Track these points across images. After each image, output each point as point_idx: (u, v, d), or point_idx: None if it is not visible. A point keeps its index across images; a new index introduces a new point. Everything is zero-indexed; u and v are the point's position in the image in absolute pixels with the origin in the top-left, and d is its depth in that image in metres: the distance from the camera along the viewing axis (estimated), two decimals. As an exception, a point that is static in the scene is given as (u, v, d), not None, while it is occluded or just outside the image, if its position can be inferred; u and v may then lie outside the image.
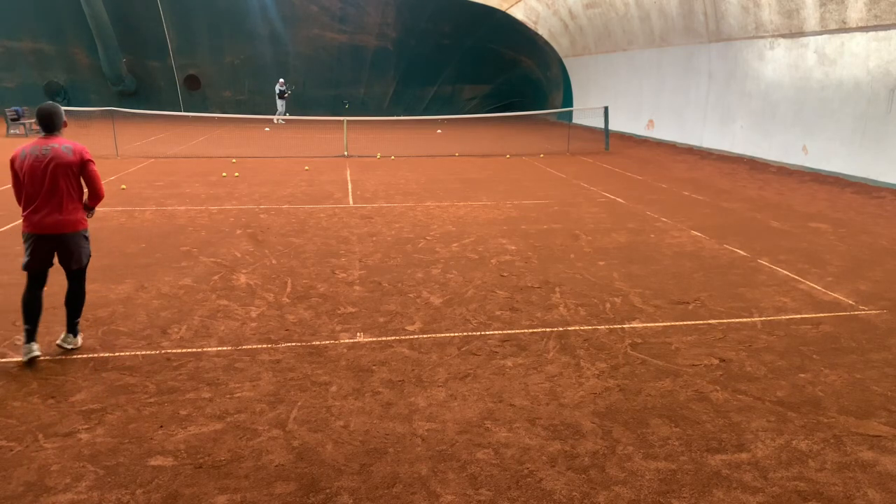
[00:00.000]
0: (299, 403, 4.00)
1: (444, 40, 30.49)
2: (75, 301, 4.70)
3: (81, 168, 4.47)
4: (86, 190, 4.62)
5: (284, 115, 25.32)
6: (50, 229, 4.42)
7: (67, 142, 4.47)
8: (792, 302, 6.01)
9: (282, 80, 26.53)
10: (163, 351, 4.73)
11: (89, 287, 6.06)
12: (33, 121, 19.47)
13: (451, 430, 3.72)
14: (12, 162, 4.43)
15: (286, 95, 26.06)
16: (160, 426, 3.71)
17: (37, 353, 4.44)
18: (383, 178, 13.04)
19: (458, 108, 31.63)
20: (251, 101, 29.89)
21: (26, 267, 4.54)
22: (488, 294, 6.11)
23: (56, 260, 4.60)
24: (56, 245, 4.51)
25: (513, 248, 7.77)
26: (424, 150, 17.75)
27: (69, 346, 4.66)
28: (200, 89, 29.95)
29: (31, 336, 4.46)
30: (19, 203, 4.50)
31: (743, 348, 4.95)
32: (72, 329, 4.70)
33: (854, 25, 12.81)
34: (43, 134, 4.49)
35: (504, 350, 4.85)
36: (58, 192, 4.39)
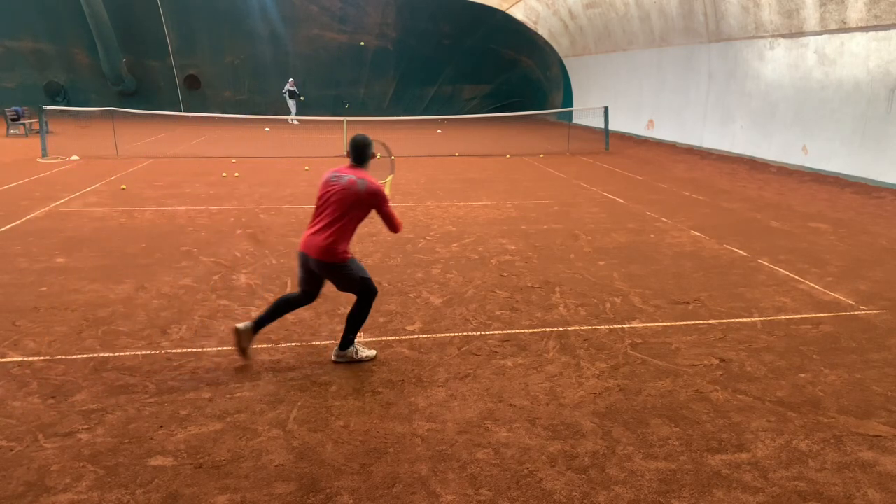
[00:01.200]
0: (299, 403, 4.00)
1: (444, 40, 30.48)
2: (352, 317, 4.54)
3: (374, 206, 4.41)
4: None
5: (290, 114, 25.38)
6: (308, 250, 4.38)
7: (366, 177, 4.39)
8: (792, 302, 6.01)
9: (291, 79, 26.46)
10: (163, 351, 4.73)
11: (89, 287, 6.09)
12: (34, 121, 19.49)
13: (451, 430, 3.72)
14: (323, 179, 4.49)
15: (298, 97, 25.95)
16: (160, 426, 3.71)
17: (241, 326, 4.46)
18: (383, 178, 13.01)
19: (458, 108, 31.62)
20: (251, 101, 29.89)
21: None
22: (488, 294, 6.11)
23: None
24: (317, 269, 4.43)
25: (513, 248, 7.77)
26: (424, 150, 17.75)
27: (334, 359, 4.59)
28: (200, 89, 29.95)
29: (257, 322, 4.50)
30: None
31: (743, 348, 4.95)
32: (345, 343, 4.58)
33: (854, 25, 12.81)
34: (351, 163, 4.50)
35: (504, 350, 4.85)
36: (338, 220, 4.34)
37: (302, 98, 26.27)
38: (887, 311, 5.78)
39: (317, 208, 4.41)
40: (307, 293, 4.55)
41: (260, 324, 4.51)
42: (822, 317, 5.65)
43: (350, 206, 4.29)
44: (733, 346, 5.00)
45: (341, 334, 4.59)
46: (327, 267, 4.34)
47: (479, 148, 18.75)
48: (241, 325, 4.47)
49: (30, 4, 26.31)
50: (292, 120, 24.54)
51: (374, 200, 4.34)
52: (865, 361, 4.74)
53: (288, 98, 25.95)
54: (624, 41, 22.50)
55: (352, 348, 4.57)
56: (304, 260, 4.41)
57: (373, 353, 4.67)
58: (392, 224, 4.48)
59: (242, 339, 4.47)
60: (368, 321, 5.37)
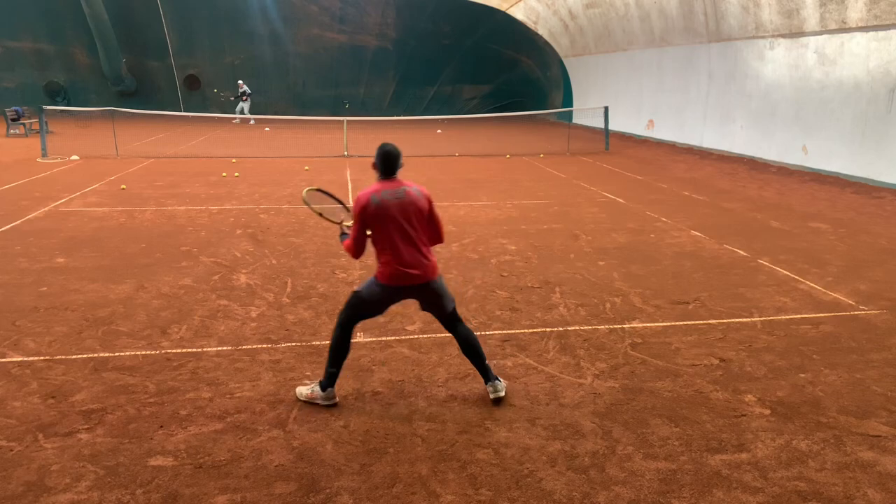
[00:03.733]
0: (299, 403, 4.00)
1: (444, 40, 30.48)
2: (469, 346, 4.08)
3: (429, 212, 3.97)
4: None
5: (244, 114, 25.05)
6: (415, 280, 3.87)
7: (413, 184, 3.96)
8: (792, 302, 6.01)
9: (240, 81, 26.21)
10: (163, 351, 4.73)
11: (89, 287, 6.10)
12: (34, 121, 19.49)
13: (451, 430, 3.72)
14: (363, 210, 3.79)
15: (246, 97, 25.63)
16: (160, 426, 3.71)
17: (335, 399, 3.99)
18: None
19: (458, 108, 31.61)
20: (251, 101, 29.87)
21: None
22: (488, 294, 6.11)
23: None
24: (421, 295, 4.00)
25: (513, 248, 7.77)
26: (424, 150, 17.74)
27: (502, 394, 4.06)
28: (200, 89, 29.94)
29: (332, 380, 3.98)
30: (357, 254, 3.93)
31: (743, 348, 4.95)
32: (488, 375, 4.09)
33: (854, 25, 12.81)
34: (382, 177, 3.91)
35: (504, 350, 4.85)
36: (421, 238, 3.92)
37: (243, 96, 25.73)
38: (887, 311, 5.77)
39: (396, 234, 3.79)
40: (360, 321, 4.09)
41: (335, 377, 4.02)
42: (822, 317, 5.65)
43: (424, 217, 3.90)
44: (733, 346, 5.00)
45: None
46: (434, 287, 3.95)
47: (479, 148, 18.75)
48: (329, 399, 4.01)
49: (30, 4, 26.31)
50: (238, 120, 24.41)
51: (431, 203, 3.97)
52: (865, 361, 4.74)
53: (240, 100, 25.58)
54: (624, 41, 22.49)
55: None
56: (397, 291, 3.93)
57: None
58: (441, 230, 4.07)
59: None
60: (368, 321, 5.35)
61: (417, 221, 3.86)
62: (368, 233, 3.87)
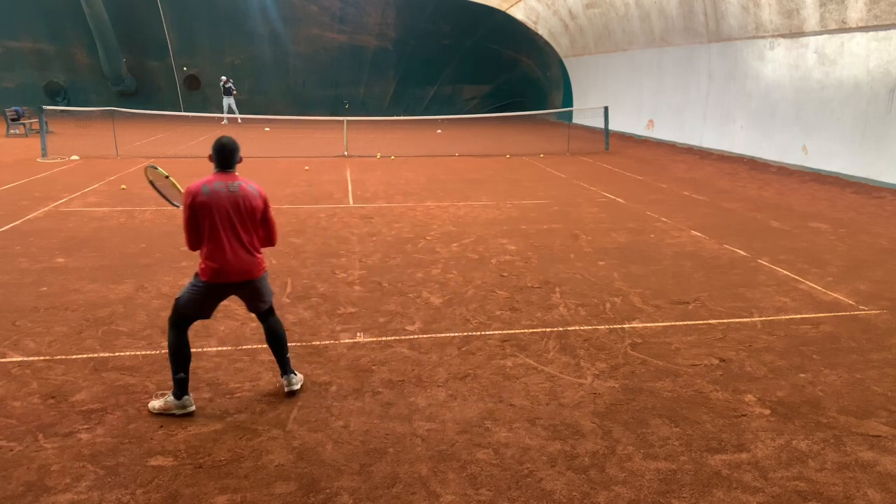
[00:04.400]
0: (299, 403, 4.00)
1: (444, 40, 30.47)
2: (275, 339, 4.12)
3: (263, 213, 3.93)
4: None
5: (232, 112, 24.81)
6: (237, 277, 3.83)
7: (250, 182, 3.92)
8: (792, 302, 6.01)
9: (224, 77, 25.68)
10: (163, 351, 4.72)
11: (89, 287, 6.10)
12: (34, 121, 19.49)
13: (451, 430, 3.72)
14: (193, 197, 3.73)
15: (234, 93, 25.31)
16: (160, 426, 3.71)
17: (192, 407, 3.86)
18: (383, 178, 13.04)
19: (458, 108, 31.61)
20: (251, 101, 29.84)
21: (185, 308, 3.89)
22: (488, 294, 6.11)
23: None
24: (242, 292, 3.95)
25: (513, 248, 7.77)
26: (424, 150, 17.75)
27: (296, 387, 4.12)
28: (200, 89, 29.95)
29: (184, 386, 3.85)
30: (197, 247, 3.84)
31: (743, 348, 4.95)
32: (286, 368, 4.14)
33: (854, 25, 12.81)
34: (218, 170, 3.86)
35: (504, 350, 4.85)
36: (249, 235, 3.88)
37: (235, 92, 25.45)
38: (887, 311, 5.77)
39: (218, 227, 3.74)
40: (192, 322, 3.95)
41: (183, 385, 3.88)
42: (822, 317, 5.65)
43: (256, 213, 3.86)
44: (733, 346, 5.00)
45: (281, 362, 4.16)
46: (257, 285, 3.94)
47: (479, 148, 18.75)
48: (192, 407, 3.89)
49: (30, 4, 26.30)
50: (226, 121, 24.27)
51: (266, 203, 3.94)
52: (865, 361, 4.74)
53: (226, 96, 25.14)
54: (624, 41, 22.49)
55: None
56: (220, 289, 3.86)
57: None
58: (274, 232, 4.03)
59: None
60: (369, 320, 5.37)
61: (248, 218, 3.83)
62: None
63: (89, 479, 3.21)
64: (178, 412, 3.84)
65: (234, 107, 25.09)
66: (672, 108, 20.28)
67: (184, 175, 12.94)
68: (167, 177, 4.37)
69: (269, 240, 4.02)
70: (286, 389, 4.11)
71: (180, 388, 3.84)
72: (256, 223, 3.89)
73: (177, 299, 3.91)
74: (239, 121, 24.38)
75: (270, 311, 4.14)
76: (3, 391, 4.09)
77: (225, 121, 24.64)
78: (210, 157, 3.88)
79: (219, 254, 3.76)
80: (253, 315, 5.27)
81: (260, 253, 3.95)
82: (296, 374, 4.20)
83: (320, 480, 3.24)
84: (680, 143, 19.66)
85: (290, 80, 30.58)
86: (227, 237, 3.76)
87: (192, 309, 3.87)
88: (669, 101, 20.45)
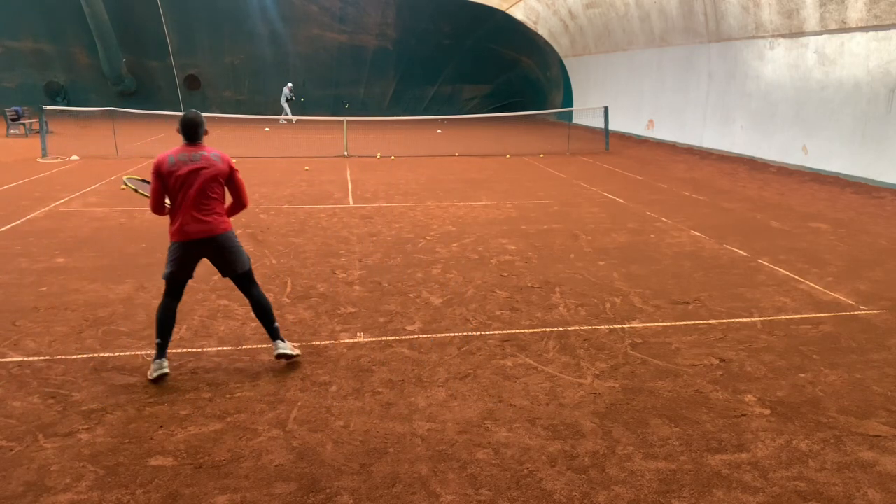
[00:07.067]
0: (299, 403, 4.00)
1: (444, 40, 30.47)
2: (261, 309, 4.46)
3: (229, 177, 4.36)
4: (228, 199, 4.47)
5: (287, 115, 25.63)
6: (199, 234, 4.23)
7: (214, 150, 4.33)
8: (792, 302, 6.01)
9: (290, 84, 26.76)
10: (163, 351, 4.72)
11: (89, 287, 6.09)
12: (34, 121, 19.49)
13: (451, 430, 3.72)
14: (158, 167, 4.18)
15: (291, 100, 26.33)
16: (160, 426, 3.71)
17: (166, 369, 4.22)
18: (383, 178, 13.04)
19: (458, 108, 31.61)
20: (251, 101, 29.88)
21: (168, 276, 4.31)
22: (488, 294, 6.11)
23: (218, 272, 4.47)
24: (208, 250, 4.30)
25: (513, 248, 7.77)
26: (424, 150, 17.75)
27: (291, 353, 4.49)
28: (200, 89, 29.94)
29: (162, 351, 4.24)
30: (160, 211, 4.30)
31: (743, 348, 4.95)
32: (275, 335, 4.47)
33: (854, 25, 12.81)
34: (186, 142, 4.28)
35: (504, 350, 4.85)
36: (210, 199, 4.27)
37: (292, 99, 26.40)
38: (887, 311, 5.77)
39: (177, 193, 4.17)
40: (182, 285, 4.37)
41: (162, 350, 4.28)
42: (822, 317, 5.65)
43: (220, 179, 4.29)
44: (733, 346, 5.00)
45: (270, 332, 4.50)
46: (220, 241, 4.28)
47: (479, 148, 18.75)
48: (166, 369, 4.25)
49: (30, 4, 26.31)
50: (285, 120, 24.82)
51: (232, 167, 4.36)
52: (865, 361, 4.74)
53: (283, 101, 26.16)
54: (624, 41, 22.49)
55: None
56: (189, 247, 4.23)
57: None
58: (243, 193, 4.46)
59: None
60: (368, 320, 5.37)
61: (210, 183, 4.23)
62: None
63: (89, 479, 3.21)
64: (151, 375, 4.21)
65: (288, 111, 25.87)
66: (672, 108, 20.28)
67: (184, 175, 12.94)
68: (142, 180, 4.99)
69: (240, 200, 4.48)
70: (275, 353, 4.46)
71: (158, 353, 4.25)
72: (221, 187, 4.32)
73: (164, 275, 4.34)
74: (293, 121, 25.22)
75: (250, 281, 4.48)
76: (3, 391, 4.09)
77: (283, 121, 25.32)
78: (178, 131, 4.28)
79: (180, 216, 4.20)
80: (252, 315, 5.27)
81: (220, 214, 4.32)
82: (284, 341, 4.50)
83: (320, 480, 3.24)
84: (680, 143, 19.66)
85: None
86: (187, 201, 4.19)
87: (176, 269, 4.28)
88: (669, 101, 20.45)
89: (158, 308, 4.29)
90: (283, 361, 4.53)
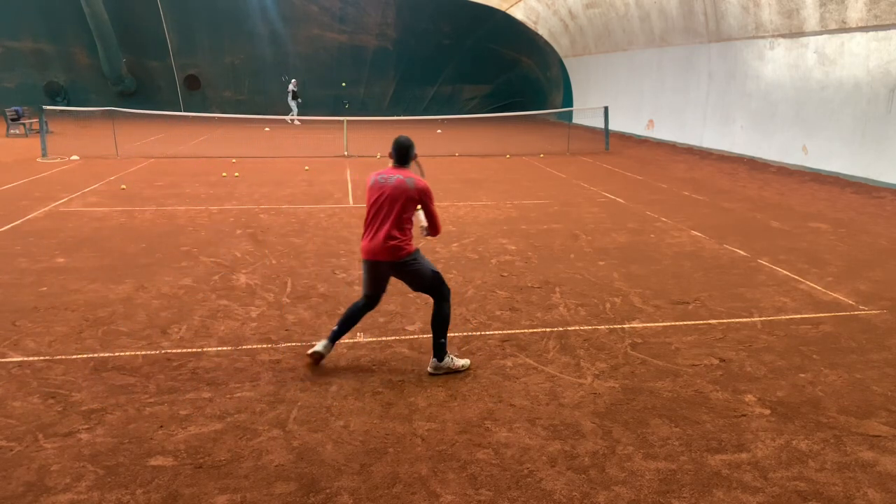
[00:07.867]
0: (299, 403, 4.00)
1: (444, 40, 30.48)
2: (434, 321, 4.46)
3: (423, 203, 4.38)
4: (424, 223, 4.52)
5: (294, 113, 25.62)
6: (372, 255, 4.33)
7: (411, 176, 4.36)
8: (792, 302, 6.01)
9: (294, 80, 26.64)
10: (163, 351, 4.73)
11: (89, 287, 6.09)
12: (34, 121, 19.49)
13: (451, 430, 3.72)
14: (368, 183, 4.42)
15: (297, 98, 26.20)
16: (160, 426, 3.71)
17: (319, 348, 4.44)
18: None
19: (458, 108, 31.61)
20: (251, 101, 29.88)
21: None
22: (488, 294, 6.11)
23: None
24: (389, 270, 4.40)
25: (513, 248, 7.77)
26: (424, 150, 17.68)
27: (430, 370, 4.47)
28: (200, 89, 29.94)
29: (333, 336, 4.48)
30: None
31: (743, 348, 4.95)
32: (434, 352, 4.46)
33: (854, 25, 12.81)
34: (393, 164, 4.41)
35: (504, 350, 4.85)
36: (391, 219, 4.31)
37: (300, 100, 26.35)
38: (887, 311, 5.77)
39: (371, 213, 4.34)
40: (371, 297, 4.51)
41: (336, 337, 4.51)
42: (822, 317, 5.65)
43: (403, 205, 4.27)
44: (733, 346, 5.00)
45: (431, 345, 4.49)
46: (397, 266, 4.34)
47: (479, 148, 18.75)
48: (319, 347, 4.46)
49: (30, 4, 26.31)
50: (292, 120, 24.75)
51: (423, 197, 4.33)
52: (865, 361, 4.74)
53: (290, 100, 26.03)
54: (624, 41, 22.49)
55: (447, 358, 4.45)
56: (372, 266, 4.37)
57: (467, 362, 4.55)
58: (436, 222, 4.46)
59: (320, 358, 4.50)
60: (369, 321, 5.37)
61: (397, 207, 4.26)
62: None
63: (89, 479, 3.21)
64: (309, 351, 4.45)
65: (295, 109, 25.74)
66: (672, 108, 20.28)
67: (185, 175, 12.97)
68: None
69: (432, 229, 4.50)
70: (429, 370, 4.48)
71: (329, 337, 4.49)
72: (409, 212, 4.32)
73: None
74: (297, 122, 25.01)
75: (437, 294, 4.45)
76: (3, 391, 4.09)
77: (289, 119, 25.07)
78: (389, 155, 4.43)
79: (366, 233, 4.37)
80: (253, 315, 5.30)
81: (397, 240, 4.28)
82: (437, 360, 4.44)
83: (320, 480, 3.24)
84: (680, 143, 19.66)
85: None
86: (375, 221, 4.32)
87: (365, 285, 4.49)
88: (669, 101, 20.45)
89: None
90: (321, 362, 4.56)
